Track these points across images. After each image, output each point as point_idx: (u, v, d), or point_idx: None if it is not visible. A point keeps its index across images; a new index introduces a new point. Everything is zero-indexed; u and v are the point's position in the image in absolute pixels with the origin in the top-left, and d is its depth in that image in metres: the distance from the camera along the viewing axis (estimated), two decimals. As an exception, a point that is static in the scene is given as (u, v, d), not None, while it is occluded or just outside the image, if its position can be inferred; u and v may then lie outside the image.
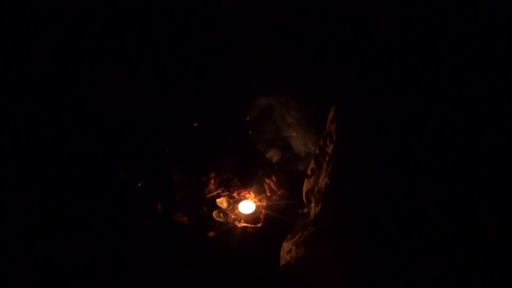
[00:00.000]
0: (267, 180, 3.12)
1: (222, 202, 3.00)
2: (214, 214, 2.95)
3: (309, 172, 2.85)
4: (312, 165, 2.85)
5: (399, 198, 2.45)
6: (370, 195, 2.44)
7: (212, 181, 3.13)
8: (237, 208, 2.98)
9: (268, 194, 3.08)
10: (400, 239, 2.31)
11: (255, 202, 3.01)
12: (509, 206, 2.39)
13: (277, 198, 3.06)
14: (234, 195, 3.10)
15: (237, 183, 3.15)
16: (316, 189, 2.66)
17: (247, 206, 2.98)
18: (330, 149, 2.70)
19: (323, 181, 2.59)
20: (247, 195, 3.09)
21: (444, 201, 2.45)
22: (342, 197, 2.46)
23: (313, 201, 2.65)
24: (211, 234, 2.88)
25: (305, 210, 2.74)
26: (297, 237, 2.46)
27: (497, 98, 2.74)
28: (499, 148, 2.55)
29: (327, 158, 2.69)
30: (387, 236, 2.32)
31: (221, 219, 2.94)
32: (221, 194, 3.10)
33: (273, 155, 3.26)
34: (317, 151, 2.85)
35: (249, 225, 2.93)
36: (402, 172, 2.52)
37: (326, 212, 2.45)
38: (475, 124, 2.66)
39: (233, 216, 2.96)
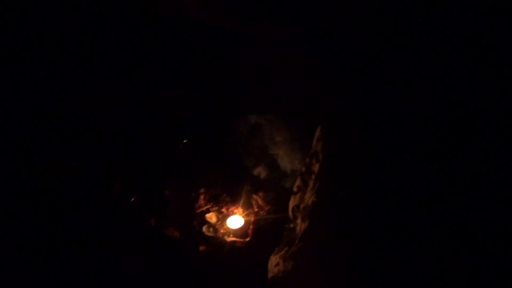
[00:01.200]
0: (255, 196, 3.21)
1: (211, 217, 3.08)
2: (204, 228, 3.02)
3: (295, 189, 2.93)
4: (298, 182, 2.93)
5: (384, 214, 2.51)
6: (356, 213, 2.51)
7: (202, 197, 3.22)
8: (226, 223, 3.04)
9: (256, 210, 3.17)
10: (386, 254, 2.37)
11: (243, 217, 3.07)
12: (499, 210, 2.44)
13: (265, 213, 3.14)
14: (223, 210, 3.17)
15: (226, 199, 3.23)
16: (302, 205, 2.73)
17: (236, 221, 3.05)
18: (316, 167, 2.78)
19: (309, 198, 2.67)
20: (236, 211, 3.17)
21: (434, 217, 2.50)
22: (328, 214, 2.54)
23: (299, 217, 2.72)
24: (201, 247, 2.94)
25: (291, 225, 2.81)
26: (284, 251, 2.53)
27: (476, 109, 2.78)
28: (485, 152, 2.63)
29: (313, 176, 2.76)
30: (373, 251, 2.38)
31: (210, 233, 3.00)
32: (210, 209, 3.17)
33: (261, 172, 3.35)
34: (303, 169, 2.94)
35: (237, 239, 2.99)
36: (387, 191, 2.59)
37: (313, 228, 2.52)
38: (462, 138, 2.74)
39: (222, 231, 3.03)
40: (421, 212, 2.54)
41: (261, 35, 3.59)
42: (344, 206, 2.54)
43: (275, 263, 2.55)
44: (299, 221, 2.73)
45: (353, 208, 2.54)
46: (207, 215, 3.10)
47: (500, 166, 2.60)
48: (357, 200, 2.57)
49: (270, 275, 2.58)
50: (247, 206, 3.18)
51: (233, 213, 3.14)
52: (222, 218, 3.10)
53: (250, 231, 3.05)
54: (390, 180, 2.66)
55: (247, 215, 3.13)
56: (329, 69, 3.37)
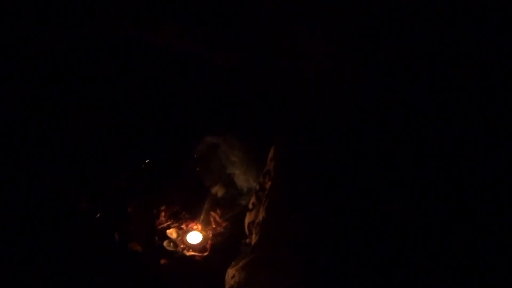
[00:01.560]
0: (213, 214, 3.39)
1: (172, 233, 3.25)
2: (165, 243, 3.19)
3: (250, 206, 3.15)
4: (253, 199, 3.15)
5: (331, 226, 2.78)
6: (303, 226, 2.75)
7: (163, 214, 3.38)
8: (186, 239, 3.22)
9: (214, 226, 3.35)
10: (332, 263, 2.63)
11: (202, 233, 3.26)
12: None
13: (222, 229, 3.33)
14: (183, 226, 3.35)
15: (185, 216, 3.41)
16: (256, 221, 2.95)
17: (195, 236, 3.24)
18: (268, 185, 3.00)
19: (261, 214, 2.90)
20: (195, 227, 3.34)
21: (379, 227, 2.76)
22: (277, 228, 2.77)
23: (253, 232, 2.93)
24: (162, 261, 3.12)
25: (247, 240, 3.03)
26: (240, 264, 2.73)
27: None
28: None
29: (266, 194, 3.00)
30: (321, 261, 2.62)
31: (171, 248, 3.18)
32: (171, 225, 3.34)
33: (218, 190, 3.53)
34: (258, 187, 3.16)
35: (196, 253, 3.19)
36: (335, 205, 2.86)
37: (262, 242, 2.75)
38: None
39: (182, 246, 3.21)
40: (368, 225, 2.79)
41: (218, 59, 3.82)
42: (292, 221, 2.79)
43: (231, 275, 2.74)
44: (254, 236, 2.92)
45: (300, 222, 2.78)
46: (168, 231, 3.26)
47: (464, 168, 2.78)
48: (305, 215, 2.81)
49: (227, 286, 2.76)
50: (206, 223, 3.36)
51: (192, 229, 3.31)
52: (182, 234, 3.27)
53: (208, 246, 3.24)
54: (337, 195, 2.93)
55: (205, 231, 3.31)
56: (282, 92, 3.64)
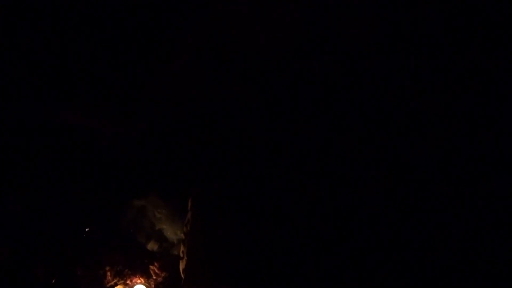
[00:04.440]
0: (151, 267, 3.95)
1: (120, 289, 3.81)
2: (116, 298, 3.75)
3: (181, 255, 3.68)
4: (182, 248, 3.70)
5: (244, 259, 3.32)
6: (220, 261, 3.33)
7: (109, 274, 3.90)
8: None
9: (155, 277, 3.91)
10: None
11: (145, 285, 3.82)
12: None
13: (162, 279, 3.88)
14: (128, 282, 3.89)
15: (128, 272, 3.95)
16: None
17: (140, 289, 3.79)
18: None
19: (184, 258, 3.50)
20: (138, 281, 3.89)
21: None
22: (195, 271, 3.37)
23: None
24: (115, 316, 3.67)
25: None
26: None
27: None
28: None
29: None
30: None
31: (122, 302, 3.72)
32: (117, 283, 3.87)
33: (153, 245, 4.09)
34: (183, 237, 3.74)
35: (143, 304, 3.75)
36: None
37: (186, 283, 3.38)
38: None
39: (129, 299, 3.76)
40: (277, 252, 3.27)
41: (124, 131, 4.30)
42: (209, 259, 3.37)
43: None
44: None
45: (216, 258, 3.34)
46: (116, 288, 3.82)
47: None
48: (219, 251, 3.36)
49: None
50: (147, 276, 3.91)
51: (137, 283, 3.86)
52: (129, 288, 3.81)
53: (152, 296, 3.81)
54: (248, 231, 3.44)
55: (148, 283, 3.87)
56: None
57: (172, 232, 4.19)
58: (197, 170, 4.00)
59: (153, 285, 3.94)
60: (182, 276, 3.68)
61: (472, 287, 2.56)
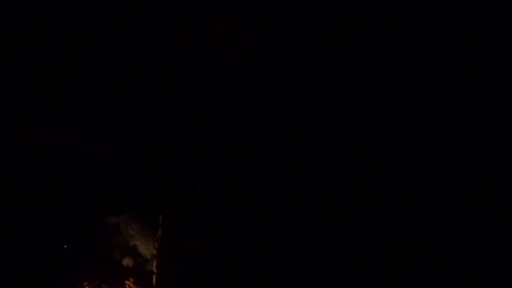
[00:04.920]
0: (127, 282, 4.21)
1: (98, 304, 4.11)
2: (95, 313, 4.06)
3: (155, 270, 3.96)
4: (155, 263, 4.00)
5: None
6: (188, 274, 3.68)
7: None
8: None
9: None
10: None
11: None
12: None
13: None
14: None
15: (105, 287, 4.23)
16: None
17: (118, 304, 4.09)
18: None
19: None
20: None
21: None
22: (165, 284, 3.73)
23: None
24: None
25: None
26: None
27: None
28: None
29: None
30: None
31: (101, 316, 4.03)
32: None
33: (128, 261, 4.35)
34: (156, 252, 4.05)
35: (122, 317, 4.07)
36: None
37: None
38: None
39: (108, 314, 4.07)
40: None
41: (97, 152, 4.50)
42: (177, 278, 3.69)
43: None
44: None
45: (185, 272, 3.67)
46: (94, 303, 4.12)
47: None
48: (187, 265, 3.67)
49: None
50: None
51: None
52: (106, 304, 4.11)
53: (130, 310, 4.11)
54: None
55: None
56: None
57: (145, 248, 4.45)
58: (167, 188, 4.28)
59: (130, 300, 4.26)
60: (157, 291, 3.99)
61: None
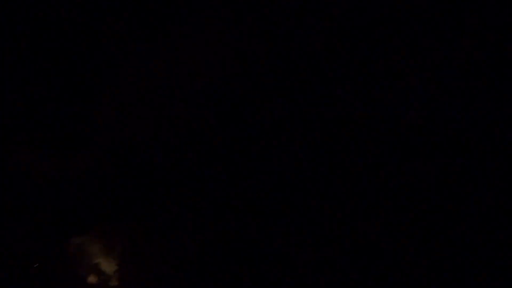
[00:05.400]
0: None
1: (67, 324, 4.47)
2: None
3: (116, 283, 4.48)
4: (117, 279, 4.50)
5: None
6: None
7: None
8: None
9: None
10: None
11: None
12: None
13: None
14: None
15: None
16: None
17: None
18: None
19: None
20: None
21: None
22: None
23: None
24: None
25: None
26: None
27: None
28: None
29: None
30: None
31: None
32: None
33: (92, 278, 4.66)
34: (118, 268, 4.49)
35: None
36: None
37: None
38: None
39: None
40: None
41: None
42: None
43: None
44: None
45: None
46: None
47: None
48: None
49: None
50: None
51: None
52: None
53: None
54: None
55: None
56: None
57: (108, 265, 4.76)
58: (127, 207, 4.65)
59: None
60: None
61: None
